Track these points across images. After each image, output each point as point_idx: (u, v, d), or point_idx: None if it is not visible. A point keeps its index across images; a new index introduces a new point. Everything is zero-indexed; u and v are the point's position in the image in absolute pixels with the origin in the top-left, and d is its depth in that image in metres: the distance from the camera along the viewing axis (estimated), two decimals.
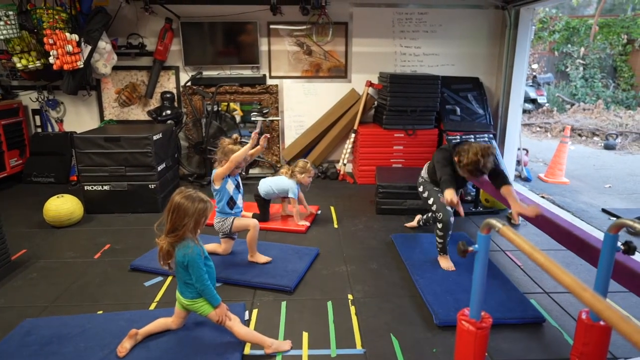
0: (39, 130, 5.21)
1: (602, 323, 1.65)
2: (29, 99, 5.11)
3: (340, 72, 5.25)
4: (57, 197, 3.65)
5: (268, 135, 3.23)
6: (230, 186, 2.92)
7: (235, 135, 2.95)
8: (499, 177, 2.69)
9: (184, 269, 2.02)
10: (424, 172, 3.14)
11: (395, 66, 5.27)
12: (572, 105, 10.49)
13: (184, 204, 1.98)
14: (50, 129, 5.22)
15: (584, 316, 1.68)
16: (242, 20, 4.93)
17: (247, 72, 5.15)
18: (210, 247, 3.06)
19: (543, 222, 2.66)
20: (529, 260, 3.12)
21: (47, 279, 2.83)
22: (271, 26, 5.04)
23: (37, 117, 5.19)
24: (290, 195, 3.65)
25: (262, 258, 2.99)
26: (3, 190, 4.68)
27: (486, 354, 2.11)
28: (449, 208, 2.88)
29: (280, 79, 5.21)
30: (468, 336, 1.61)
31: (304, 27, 5.05)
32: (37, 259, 3.10)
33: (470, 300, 1.61)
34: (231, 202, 2.94)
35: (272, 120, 5.19)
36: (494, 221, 1.45)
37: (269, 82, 5.19)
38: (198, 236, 2.10)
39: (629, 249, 1.55)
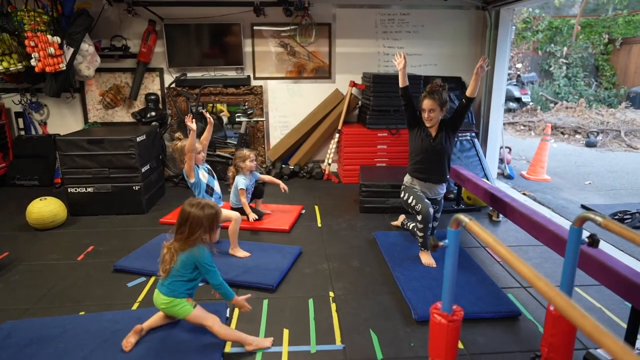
0: (22, 133, 5.17)
1: None
2: (12, 102, 5.07)
3: (324, 73, 5.29)
4: (40, 199, 3.63)
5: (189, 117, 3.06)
6: (204, 175, 3.09)
7: (177, 134, 3.09)
8: (459, 103, 3.08)
9: (185, 267, 2.07)
10: (406, 178, 3.21)
11: (378, 66, 5.33)
12: (556, 103, 10.67)
13: (195, 213, 2.05)
14: (33, 132, 5.18)
15: (552, 307, 1.74)
16: (226, 21, 4.95)
17: (231, 74, 5.17)
18: None
19: (520, 219, 2.73)
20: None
21: (29, 282, 2.82)
22: (255, 27, 5.07)
23: (20, 120, 5.16)
24: (240, 187, 3.61)
25: (240, 252, 3.09)
26: None
27: (462, 346, 2.17)
28: (427, 200, 2.97)
29: (265, 79, 5.24)
30: (440, 329, 1.65)
31: (287, 28, 5.09)
32: (19, 262, 3.09)
33: (442, 294, 1.66)
34: (209, 190, 3.10)
35: (257, 121, 5.22)
36: (461, 216, 1.49)
37: (254, 83, 5.22)
38: (214, 242, 2.18)
39: (593, 241, 1.61)
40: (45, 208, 3.61)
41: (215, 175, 3.20)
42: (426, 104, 2.96)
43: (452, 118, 3.09)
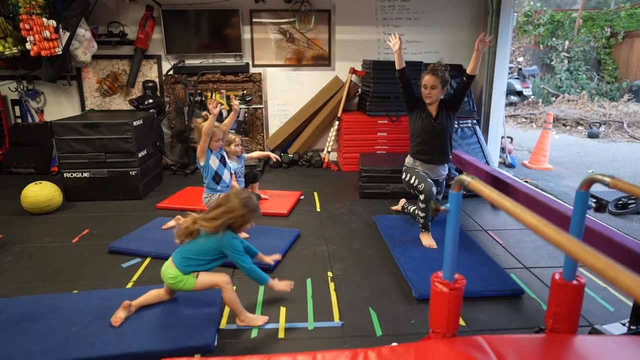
0: (19, 120, 5.12)
1: (574, 282, 1.65)
2: (8, 89, 5.02)
3: (324, 60, 5.23)
4: (35, 183, 3.58)
5: (216, 102, 2.99)
6: (215, 162, 2.96)
7: (204, 113, 2.99)
8: (459, 81, 3.03)
9: (206, 252, 2.03)
10: (407, 159, 3.16)
11: (378, 54, 5.27)
12: (557, 96, 10.60)
13: (234, 201, 1.99)
14: (30, 120, 5.13)
15: (557, 276, 1.68)
16: (225, 7, 4.89)
17: (230, 61, 5.11)
18: None
19: (524, 199, 2.67)
20: (510, 238, 3.16)
21: (22, 263, 2.77)
22: (254, 14, 5.01)
23: (17, 108, 5.10)
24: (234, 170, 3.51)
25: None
26: None
27: (463, 323, 2.12)
28: (429, 180, 2.91)
29: (264, 67, 5.19)
30: (442, 298, 1.60)
31: (286, 14, 5.03)
32: (12, 244, 3.04)
33: (444, 261, 1.60)
34: (216, 177, 2.98)
35: (256, 109, 5.16)
36: (463, 176, 1.44)
37: (252, 70, 5.16)
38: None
39: (600, 206, 1.56)
40: (41, 192, 3.55)
41: (227, 165, 3.08)
42: (427, 79, 2.91)
43: (452, 97, 3.04)
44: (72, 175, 3.85)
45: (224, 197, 2.05)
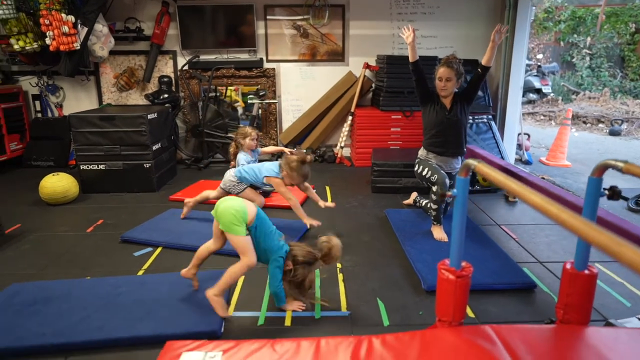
0: (39, 115, 5.24)
1: (586, 272, 1.61)
2: (29, 84, 5.15)
3: (338, 55, 5.22)
4: (53, 175, 3.66)
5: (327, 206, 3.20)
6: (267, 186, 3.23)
7: (306, 154, 3.01)
8: (474, 73, 2.98)
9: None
10: (420, 152, 3.13)
11: (393, 49, 5.23)
12: (578, 94, 10.35)
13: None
14: (50, 114, 5.25)
15: (568, 266, 1.64)
16: (239, 3, 4.92)
17: (244, 56, 5.14)
18: (201, 196, 3.27)
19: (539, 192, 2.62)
20: (524, 233, 3.09)
21: (38, 250, 2.84)
22: (268, 9, 5.03)
23: (37, 102, 5.23)
24: (241, 162, 3.55)
25: None
26: (3, 174, 4.71)
27: (472, 315, 2.08)
28: (443, 172, 2.88)
29: (278, 62, 5.20)
30: (448, 285, 1.58)
31: (300, 10, 5.03)
32: (30, 233, 3.11)
33: (450, 248, 1.58)
34: (256, 188, 3.25)
35: (269, 104, 5.18)
36: (470, 160, 1.41)
37: (266, 65, 5.18)
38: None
39: (614, 193, 1.51)
40: (58, 183, 3.63)
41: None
42: (442, 72, 2.87)
43: (466, 89, 3.00)
44: (88, 167, 3.93)
45: None
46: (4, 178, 4.57)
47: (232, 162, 3.67)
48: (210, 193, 3.26)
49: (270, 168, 3.11)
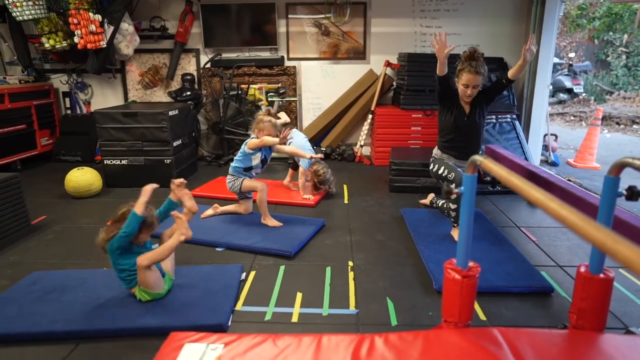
0: (69, 111, 5.43)
1: (601, 276, 1.54)
2: (60, 82, 5.34)
3: (359, 53, 5.19)
4: (78, 169, 3.79)
5: (318, 156, 3.40)
6: (257, 159, 3.15)
7: (268, 109, 3.18)
8: (499, 76, 2.83)
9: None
10: (435, 151, 3.08)
11: (415, 46, 5.15)
12: (612, 93, 9.95)
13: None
14: (78, 111, 5.43)
15: (582, 269, 1.57)
16: (261, 1, 4.96)
17: (265, 54, 5.18)
18: (232, 208, 3.30)
19: (561, 195, 2.52)
20: (544, 235, 2.99)
21: (60, 241, 2.94)
22: (289, 7, 5.04)
23: (67, 99, 5.42)
24: (301, 164, 3.64)
25: (272, 222, 3.09)
26: (34, 168, 4.90)
27: (484, 318, 2.03)
28: (460, 170, 2.80)
29: (299, 60, 5.21)
30: (454, 285, 1.54)
31: (322, 7, 5.02)
32: (54, 224, 3.23)
33: (457, 247, 1.54)
34: (248, 169, 3.17)
35: (290, 101, 5.19)
36: (476, 156, 1.37)
37: (287, 63, 5.20)
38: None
39: (632, 194, 1.44)
40: (82, 177, 3.75)
41: (263, 167, 3.28)
42: (470, 79, 2.70)
43: (488, 92, 2.85)
44: (111, 162, 4.04)
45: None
46: (34, 172, 4.76)
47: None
48: (238, 208, 3.29)
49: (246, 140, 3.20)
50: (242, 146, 3.17)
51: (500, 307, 2.14)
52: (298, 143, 3.69)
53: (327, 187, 3.77)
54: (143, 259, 2.00)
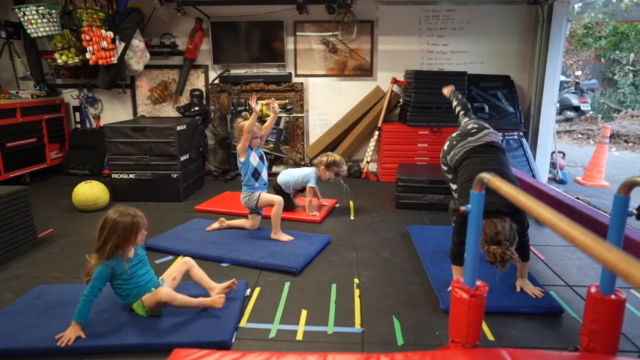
0: (79, 125, 5.50)
1: (612, 297, 1.50)
2: (71, 97, 5.42)
3: (366, 71, 5.23)
4: (85, 182, 3.82)
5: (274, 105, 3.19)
6: (255, 159, 3.12)
7: (244, 113, 3.14)
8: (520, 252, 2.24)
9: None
10: (448, 157, 2.97)
11: (422, 64, 5.19)
12: (619, 112, 9.92)
13: (113, 218, 2.03)
14: (88, 125, 5.50)
15: (593, 290, 1.54)
16: (270, 19, 5.04)
17: (273, 70, 5.24)
18: (239, 222, 3.29)
19: (568, 213, 2.50)
20: (553, 254, 2.95)
21: (66, 254, 2.94)
22: (297, 25, 5.11)
23: (77, 114, 5.49)
24: (309, 183, 3.64)
25: (284, 236, 3.09)
26: (43, 181, 4.95)
27: (492, 339, 1.99)
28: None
29: (306, 77, 5.26)
30: (461, 305, 1.51)
31: (329, 25, 5.09)
32: (60, 237, 3.24)
33: (464, 266, 1.52)
34: (256, 174, 3.13)
35: (297, 118, 5.23)
36: (483, 174, 1.36)
37: (295, 80, 5.25)
38: (130, 253, 2.11)
39: None
40: (89, 191, 3.78)
41: (266, 163, 3.24)
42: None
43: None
44: (119, 176, 4.07)
45: (103, 220, 2.05)
46: (43, 185, 4.80)
47: None
48: (246, 223, 3.28)
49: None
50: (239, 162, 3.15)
51: (509, 327, 2.10)
52: (291, 175, 3.73)
53: (338, 175, 3.68)
54: (163, 295, 2.01)
